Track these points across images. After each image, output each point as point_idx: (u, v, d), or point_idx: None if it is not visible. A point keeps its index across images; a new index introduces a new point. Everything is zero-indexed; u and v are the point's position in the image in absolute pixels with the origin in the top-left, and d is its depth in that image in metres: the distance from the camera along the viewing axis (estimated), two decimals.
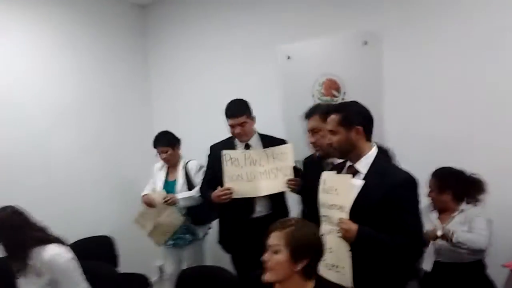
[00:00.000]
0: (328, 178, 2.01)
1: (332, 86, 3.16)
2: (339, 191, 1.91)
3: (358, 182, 1.89)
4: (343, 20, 3.11)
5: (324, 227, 1.97)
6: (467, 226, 2.36)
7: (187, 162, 3.27)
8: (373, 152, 1.97)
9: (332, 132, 1.97)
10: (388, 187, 1.83)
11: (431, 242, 2.35)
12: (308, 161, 2.68)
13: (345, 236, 1.84)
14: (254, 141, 2.85)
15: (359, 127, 1.95)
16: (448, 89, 2.80)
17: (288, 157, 2.66)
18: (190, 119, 4.00)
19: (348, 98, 3.07)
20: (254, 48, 3.58)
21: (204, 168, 3.05)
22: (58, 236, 2.32)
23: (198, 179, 3.17)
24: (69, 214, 3.43)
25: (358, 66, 3.06)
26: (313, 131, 2.43)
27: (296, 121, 3.28)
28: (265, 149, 2.72)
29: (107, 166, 3.86)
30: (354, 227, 1.82)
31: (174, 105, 4.16)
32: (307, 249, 1.62)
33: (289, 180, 2.64)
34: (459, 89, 2.76)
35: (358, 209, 1.86)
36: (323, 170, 2.12)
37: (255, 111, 2.86)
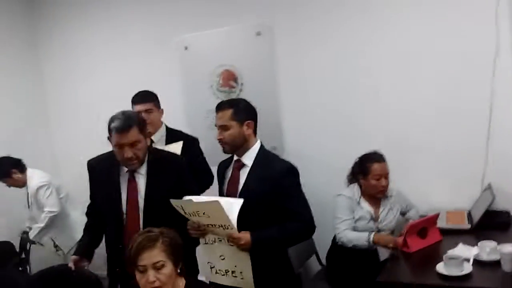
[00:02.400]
0: (186, 206, 1.96)
1: (230, 77, 3.21)
2: (210, 214, 1.89)
3: (223, 200, 1.91)
4: (238, 11, 3.15)
5: (209, 237, 2.00)
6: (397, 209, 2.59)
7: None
8: (257, 145, 2.11)
9: (225, 126, 2.04)
10: (273, 177, 1.97)
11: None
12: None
13: (241, 247, 1.90)
14: (158, 136, 2.79)
15: (250, 121, 2.07)
16: (337, 79, 2.96)
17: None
18: (83, 110, 3.79)
19: (246, 88, 3.17)
20: (150, 39, 3.48)
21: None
22: None
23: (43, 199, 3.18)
24: None
25: (253, 57, 3.13)
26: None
27: (197, 113, 3.33)
28: (164, 146, 2.67)
29: None
30: (248, 238, 1.89)
31: (67, 96, 3.93)
32: (181, 250, 1.65)
33: None
34: (348, 78, 2.94)
35: (246, 201, 1.93)
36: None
37: None
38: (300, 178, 2.09)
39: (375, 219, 2.53)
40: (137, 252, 1.56)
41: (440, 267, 1.99)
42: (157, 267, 1.56)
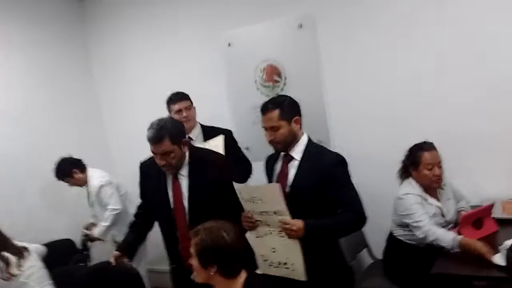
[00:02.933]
0: (243, 190, 2.06)
1: (273, 71, 3.22)
2: (266, 199, 1.96)
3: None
4: (279, 4, 3.13)
5: (261, 230, 2.05)
6: (453, 198, 2.51)
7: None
8: (305, 139, 2.14)
9: (275, 127, 2.08)
10: (323, 169, 2.00)
11: None
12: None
13: (294, 235, 1.93)
14: (196, 133, 2.91)
15: (297, 117, 2.12)
16: (382, 69, 2.90)
17: (220, 150, 2.47)
18: (136, 110, 3.91)
19: (290, 82, 3.17)
20: (196, 39, 3.54)
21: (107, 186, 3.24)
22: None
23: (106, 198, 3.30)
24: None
25: (295, 50, 3.12)
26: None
27: (242, 109, 3.38)
28: (204, 142, 2.70)
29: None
30: (300, 224, 1.92)
31: (120, 96, 4.08)
32: (212, 255, 1.65)
33: None
34: (394, 68, 2.87)
35: (296, 192, 2.02)
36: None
37: (200, 100, 2.98)
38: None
39: (443, 212, 2.43)
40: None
41: (497, 258, 1.95)
42: (191, 256, 1.70)
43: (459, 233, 2.20)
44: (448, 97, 2.75)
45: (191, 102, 2.94)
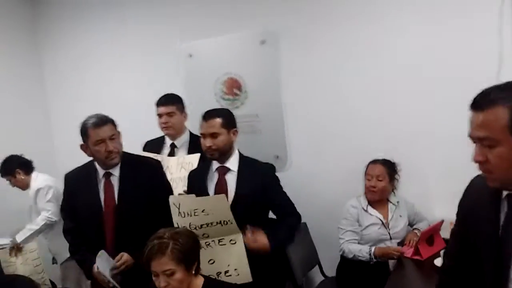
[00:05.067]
0: (184, 203, 2.03)
1: (234, 85, 3.21)
2: (211, 211, 1.98)
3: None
4: (243, 19, 3.16)
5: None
6: (406, 217, 2.60)
7: None
8: (237, 152, 2.29)
9: (215, 134, 2.17)
10: (262, 178, 2.19)
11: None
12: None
13: (261, 250, 2.02)
14: (182, 141, 2.80)
15: (235, 129, 2.23)
16: (342, 88, 2.94)
17: (193, 168, 2.50)
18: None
19: (250, 96, 3.17)
20: (155, 46, 3.49)
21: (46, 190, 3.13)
22: None
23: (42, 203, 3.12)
24: None
25: (257, 65, 3.14)
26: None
27: (199, 120, 3.31)
28: (179, 157, 2.66)
29: None
30: (264, 240, 2.02)
31: (73, 109, 3.84)
32: (194, 253, 1.71)
33: (184, 191, 2.47)
34: (353, 88, 2.91)
35: (239, 200, 2.13)
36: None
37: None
38: (302, 188, 2.36)
39: (385, 225, 2.53)
40: (148, 258, 1.65)
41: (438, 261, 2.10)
42: (168, 274, 1.62)
43: (416, 249, 2.29)
44: (406, 123, 2.79)
45: (179, 109, 2.77)
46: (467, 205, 1.30)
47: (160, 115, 2.75)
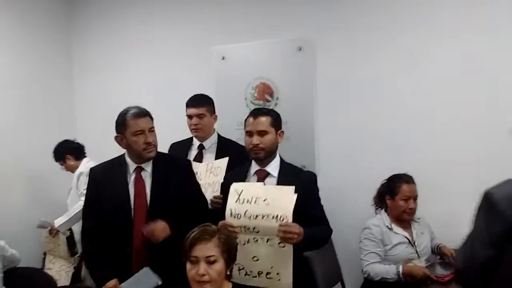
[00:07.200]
0: (246, 189, 1.96)
1: (266, 90, 3.15)
2: (273, 202, 1.88)
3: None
4: (279, 25, 3.12)
5: (241, 237, 1.91)
6: (428, 233, 2.54)
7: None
8: (278, 156, 2.17)
9: (264, 132, 2.07)
10: (302, 187, 1.96)
11: None
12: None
13: (293, 239, 1.84)
14: (209, 143, 2.71)
15: (282, 131, 2.18)
16: (379, 93, 2.88)
17: (221, 172, 2.44)
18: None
19: (281, 103, 3.10)
20: (188, 47, 3.46)
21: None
22: None
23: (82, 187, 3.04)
24: None
25: (292, 72, 3.08)
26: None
27: (228, 123, 3.28)
28: (208, 162, 2.57)
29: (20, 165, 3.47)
30: (301, 228, 1.85)
31: (99, 106, 3.84)
32: (235, 251, 1.67)
33: (214, 197, 2.39)
34: (389, 99, 2.86)
35: None
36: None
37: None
38: (328, 201, 2.16)
39: (412, 243, 2.44)
40: (192, 243, 1.58)
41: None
42: (210, 261, 1.56)
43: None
44: (441, 136, 2.74)
45: (209, 111, 2.69)
46: None
47: (190, 116, 2.67)
